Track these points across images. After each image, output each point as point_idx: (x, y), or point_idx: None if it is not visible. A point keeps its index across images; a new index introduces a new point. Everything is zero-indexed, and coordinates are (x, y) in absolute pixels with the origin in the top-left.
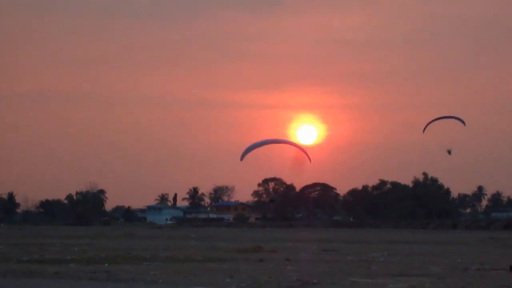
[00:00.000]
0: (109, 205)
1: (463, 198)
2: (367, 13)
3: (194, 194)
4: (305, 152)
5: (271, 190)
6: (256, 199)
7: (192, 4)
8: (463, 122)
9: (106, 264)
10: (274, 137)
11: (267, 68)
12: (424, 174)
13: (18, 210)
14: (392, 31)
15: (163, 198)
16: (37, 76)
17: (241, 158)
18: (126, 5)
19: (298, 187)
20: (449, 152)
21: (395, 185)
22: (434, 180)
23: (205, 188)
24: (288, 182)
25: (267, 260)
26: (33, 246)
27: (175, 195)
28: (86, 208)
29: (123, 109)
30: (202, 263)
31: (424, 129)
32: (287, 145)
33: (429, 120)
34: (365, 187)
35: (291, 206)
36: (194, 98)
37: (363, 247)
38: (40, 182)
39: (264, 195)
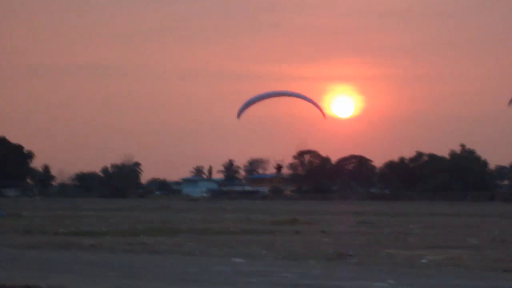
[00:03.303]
0: (144, 178)
1: (500, 169)
2: None
3: (229, 166)
4: (318, 106)
5: (306, 162)
6: (291, 171)
7: None
8: None
9: (142, 236)
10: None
11: (304, 39)
12: (462, 145)
13: (54, 183)
14: (427, 1)
15: (198, 171)
16: (75, 50)
17: (238, 116)
18: None
19: (334, 160)
20: None
21: (432, 157)
22: (471, 152)
23: (240, 161)
24: (324, 155)
25: (303, 232)
26: (69, 218)
27: (210, 167)
28: (121, 180)
29: (159, 82)
30: (238, 235)
31: (510, 101)
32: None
33: None
34: (401, 159)
35: (327, 179)
36: (229, 70)
37: (400, 220)
38: (75, 154)
39: (300, 168)
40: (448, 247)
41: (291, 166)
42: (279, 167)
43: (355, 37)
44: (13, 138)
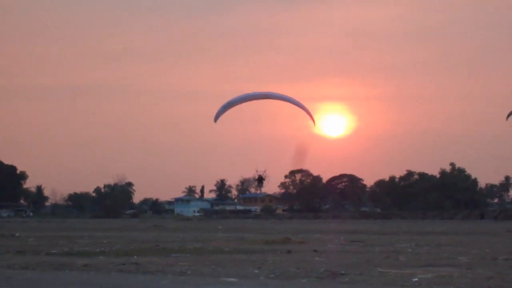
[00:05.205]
0: (137, 198)
1: (490, 188)
2: (394, 5)
3: (221, 186)
4: (307, 111)
5: (297, 181)
6: (283, 190)
7: None
8: None
9: (135, 256)
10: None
11: (294, 60)
12: (452, 164)
13: (47, 203)
14: (420, 22)
15: (190, 190)
16: (63, 69)
17: (215, 119)
18: None
19: (325, 179)
20: None
21: (422, 176)
22: (461, 171)
23: (232, 180)
24: (315, 174)
25: (295, 251)
26: (62, 238)
27: (203, 187)
28: (114, 200)
29: (150, 102)
30: (230, 255)
31: (508, 116)
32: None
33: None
34: (392, 178)
35: (318, 198)
36: (221, 90)
37: (391, 238)
38: (68, 175)
39: (291, 187)
40: (439, 266)
41: (283, 185)
42: (260, 179)
43: (345, 58)
44: (6, 159)
